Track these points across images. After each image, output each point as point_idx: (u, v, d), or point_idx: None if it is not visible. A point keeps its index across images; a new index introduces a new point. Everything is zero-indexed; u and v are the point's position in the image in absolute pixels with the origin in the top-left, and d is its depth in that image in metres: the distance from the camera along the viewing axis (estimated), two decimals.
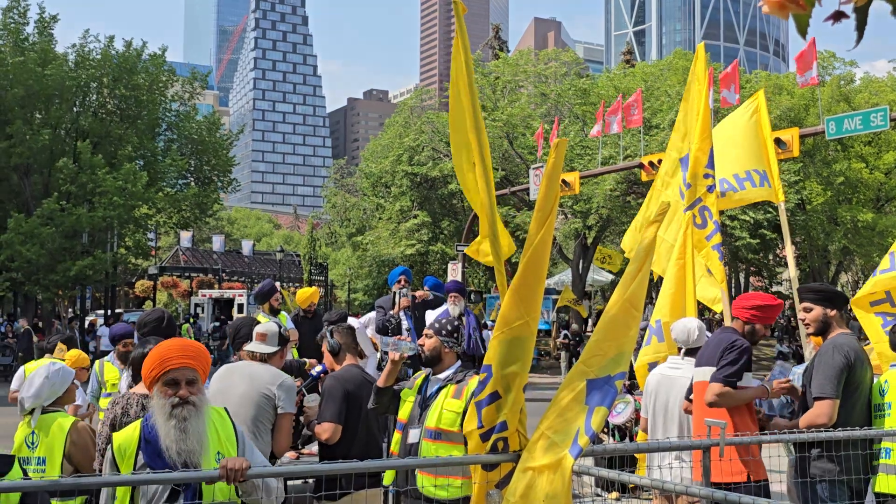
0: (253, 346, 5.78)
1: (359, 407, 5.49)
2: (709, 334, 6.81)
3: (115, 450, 3.92)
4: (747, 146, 9.48)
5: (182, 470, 3.76)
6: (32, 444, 5.06)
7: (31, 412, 5.11)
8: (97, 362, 8.65)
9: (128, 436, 3.95)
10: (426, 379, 5.23)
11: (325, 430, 5.43)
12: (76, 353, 8.92)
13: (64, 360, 8.45)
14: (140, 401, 4.88)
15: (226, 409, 4.21)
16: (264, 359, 5.71)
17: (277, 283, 11.09)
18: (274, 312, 10.18)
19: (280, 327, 6.00)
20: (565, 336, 30.09)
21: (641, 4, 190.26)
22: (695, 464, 4.87)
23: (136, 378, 5.11)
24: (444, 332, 5.17)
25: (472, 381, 4.95)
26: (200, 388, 3.91)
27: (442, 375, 5.12)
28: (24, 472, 4.20)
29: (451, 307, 10.63)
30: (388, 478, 5.14)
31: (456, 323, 5.28)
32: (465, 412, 4.83)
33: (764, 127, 9.60)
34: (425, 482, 4.89)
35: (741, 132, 9.62)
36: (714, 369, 5.53)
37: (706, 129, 8.47)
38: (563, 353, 29.85)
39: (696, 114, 8.61)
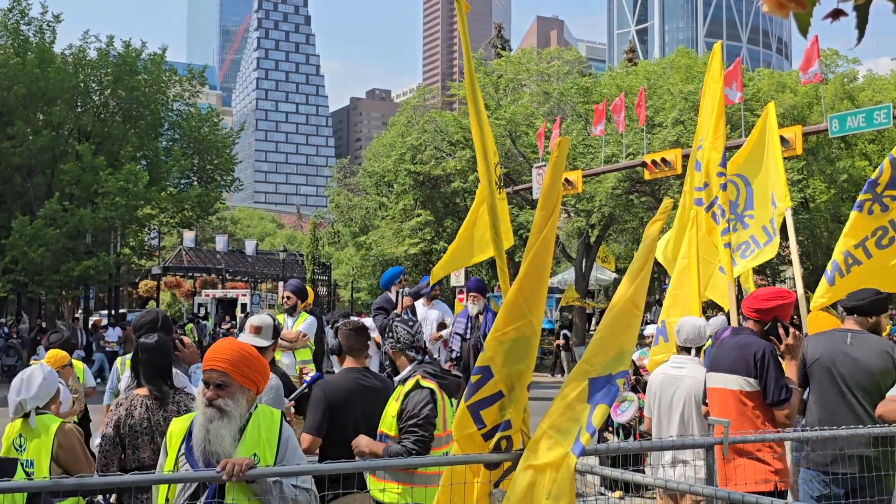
0: (246, 338, 5.67)
1: (348, 416, 5.38)
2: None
3: (168, 434, 4.00)
4: (767, 171, 9.39)
5: (200, 469, 3.80)
6: (20, 446, 5.01)
7: (27, 414, 5.07)
8: (118, 360, 8.64)
9: (181, 425, 4.01)
10: None
11: (304, 440, 5.38)
12: (55, 352, 8.94)
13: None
14: (144, 402, 4.87)
15: (282, 412, 4.18)
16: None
17: (288, 282, 10.78)
18: (291, 312, 10.06)
19: (274, 320, 5.92)
20: (564, 336, 30.20)
21: (644, 2, 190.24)
22: (723, 462, 4.90)
23: (137, 379, 5.09)
24: (383, 336, 5.22)
25: (410, 383, 5.03)
26: (232, 394, 3.87)
27: (398, 378, 5.17)
28: (28, 475, 4.20)
29: (471, 306, 10.62)
30: None
31: (390, 322, 5.30)
32: (398, 415, 4.91)
33: (773, 137, 9.52)
34: (370, 484, 4.96)
35: (762, 158, 9.52)
36: (737, 377, 5.42)
37: (720, 127, 8.45)
38: (562, 354, 29.97)
39: (711, 112, 8.59)
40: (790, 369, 5.47)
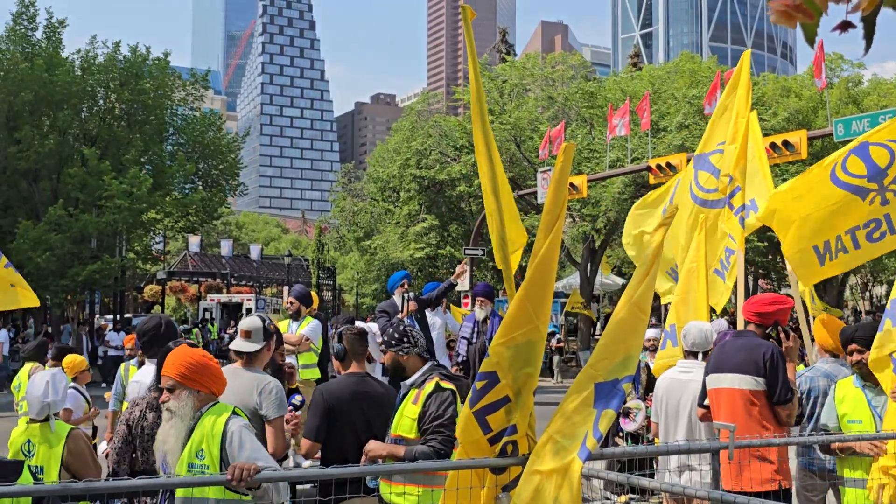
0: (236, 344, 5.60)
1: (347, 421, 5.38)
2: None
3: None
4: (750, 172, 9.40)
5: (166, 475, 3.98)
6: (29, 452, 4.99)
7: (46, 418, 5.05)
8: (122, 366, 8.64)
9: None
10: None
11: (303, 445, 5.41)
12: (73, 357, 8.97)
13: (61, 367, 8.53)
14: (158, 405, 4.85)
15: (235, 408, 4.38)
16: (250, 359, 5.51)
17: (292, 288, 10.82)
18: (295, 318, 10.09)
19: (264, 321, 5.82)
20: (558, 340, 30.29)
21: (648, 7, 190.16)
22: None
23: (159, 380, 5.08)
24: (393, 342, 5.19)
25: (429, 385, 5.01)
26: (178, 395, 4.20)
27: (408, 381, 5.15)
28: (35, 478, 4.21)
29: (478, 310, 10.65)
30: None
31: (402, 327, 5.29)
32: (419, 416, 4.90)
33: (756, 141, 9.52)
34: (384, 489, 4.93)
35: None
36: (747, 376, 5.55)
37: (745, 132, 8.47)
38: (555, 358, 30.09)
39: (739, 116, 8.59)
40: (789, 371, 5.61)
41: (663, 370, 7.74)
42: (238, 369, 5.46)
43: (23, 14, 32.93)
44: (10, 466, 3.97)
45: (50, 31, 33.43)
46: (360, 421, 5.37)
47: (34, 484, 4.43)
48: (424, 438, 4.84)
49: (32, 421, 5.11)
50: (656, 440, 6.81)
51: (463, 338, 10.65)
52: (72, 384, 8.65)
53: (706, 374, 5.92)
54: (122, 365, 8.78)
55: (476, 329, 10.56)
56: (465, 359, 10.49)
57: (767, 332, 5.72)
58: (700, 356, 6.56)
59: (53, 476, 4.89)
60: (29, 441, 5.02)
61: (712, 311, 9.61)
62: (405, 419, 4.96)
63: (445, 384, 5.01)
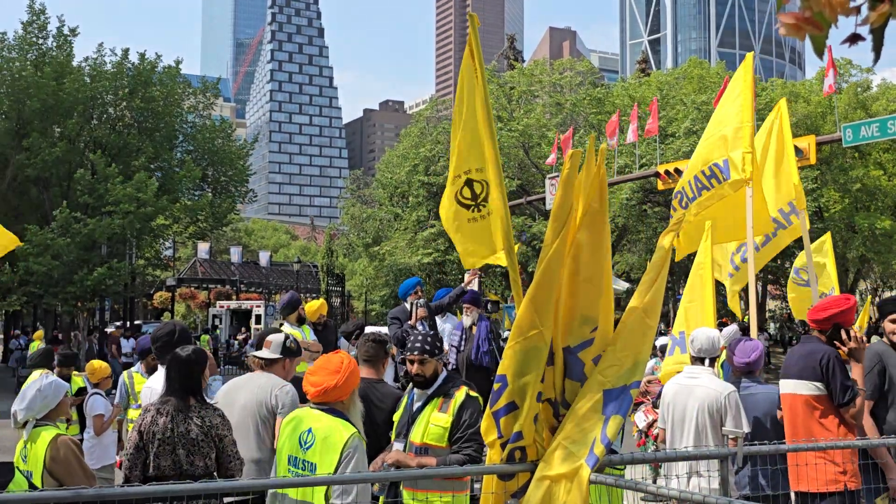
0: (255, 351, 5.91)
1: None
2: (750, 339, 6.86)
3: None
4: (780, 175, 9.38)
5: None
6: (24, 457, 5.01)
7: (24, 425, 5.05)
8: (125, 373, 8.65)
9: None
10: (411, 392, 5.21)
11: None
12: (97, 363, 9.02)
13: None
14: (169, 411, 4.87)
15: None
16: (267, 364, 5.77)
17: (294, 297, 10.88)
18: (299, 323, 10.07)
19: (286, 339, 5.97)
20: None
21: (656, 13, 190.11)
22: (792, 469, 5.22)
23: (167, 388, 5.10)
24: (437, 350, 5.15)
25: (459, 394, 4.99)
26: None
27: (430, 390, 5.08)
28: (32, 484, 4.21)
29: (465, 318, 10.56)
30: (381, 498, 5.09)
31: (439, 335, 5.29)
32: (452, 426, 4.87)
33: (786, 139, 9.52)
34: (406, 497, 4.89)
35: (772, 160, 9.52)
36: (806, 382, 5.65)
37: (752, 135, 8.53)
38: None
39: (747, 123, 8.59)
40: (856, 372, 5.67)
41: (670, 376, 7.73)
42: (251, 375, 5.78)
43: (33, 23, 33.10)
44: (4, 467, 3.98)
45: (61, 40, 33.57)
46: (366, 426, 5.38)
47: (29, 489, 4.47)
48: (458, 446, 4.81)
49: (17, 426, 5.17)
50: (660, 445, 6.80)
51: (452, 346, 10.54)
52: (95, 391, 8.71)
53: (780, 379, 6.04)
54: (125, 372, 8.80)
55: (464, 336, 10.45)
56: (455, 367, 10.40)
57: (828, 335, 5.76)
58: (707, 362, 6.55)
59: (38, 481, 4.84)
60: (25, 446, 5.05)
61: (731, 316, 9.62)
62: (435, 428, 4.90)
63: (473, 393, 5.01)
